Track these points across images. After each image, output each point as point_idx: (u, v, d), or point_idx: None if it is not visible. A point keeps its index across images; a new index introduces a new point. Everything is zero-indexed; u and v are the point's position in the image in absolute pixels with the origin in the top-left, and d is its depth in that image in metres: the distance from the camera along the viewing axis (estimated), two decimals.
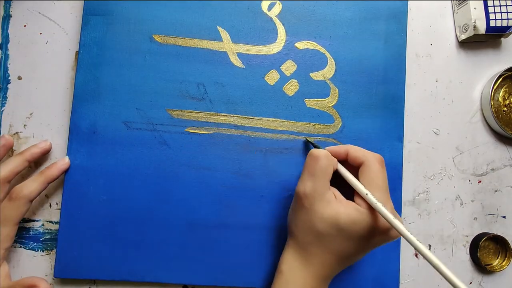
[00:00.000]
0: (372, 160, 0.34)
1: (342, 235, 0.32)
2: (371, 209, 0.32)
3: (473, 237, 0.43)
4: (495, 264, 0.43)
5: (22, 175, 0.39)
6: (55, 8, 0.41)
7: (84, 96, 0.39)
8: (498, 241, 0.43)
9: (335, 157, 0.35)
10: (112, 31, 0.40)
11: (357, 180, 0.34)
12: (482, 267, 0.42)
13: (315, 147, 0.38)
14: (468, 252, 0.43)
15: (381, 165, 0.34)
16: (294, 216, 0.35)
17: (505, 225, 0.44)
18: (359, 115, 0.41)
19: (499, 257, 0.43)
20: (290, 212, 0.36)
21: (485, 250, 0.43)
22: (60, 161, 0.38)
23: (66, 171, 0.38)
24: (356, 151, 0.35)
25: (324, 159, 0.33)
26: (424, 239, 0.43)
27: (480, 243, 0.42)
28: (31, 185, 0.36)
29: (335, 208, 0.32)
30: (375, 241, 0.33)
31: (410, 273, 0.42)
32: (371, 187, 0.32)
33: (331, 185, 0.34)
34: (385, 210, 0.31)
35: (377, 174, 0.33)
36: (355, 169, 0.35)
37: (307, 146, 0.41)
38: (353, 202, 0.33)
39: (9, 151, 0.40)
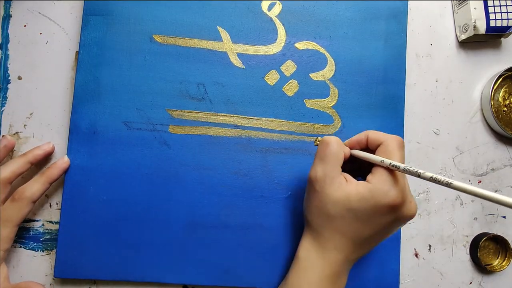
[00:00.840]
0: (391, 140, 0.33)
1: (353, 216, 0.32)
2: (381, 184, 0.31)
3: (473, 237, 0.43)
4: (495, 264, 0.43)
5: (23, 176, 0.39)
6: (55, 8, 0.41)
7: (84, 96, 0.39)
8: (498, 241, 0.43)
9: (356, 145, 0.35)
10: (112, 31, 0.40)
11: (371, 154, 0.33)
12: (482, 267, 0.42)
13: None
14: (468, 252, 0.43)
15: (400, 146, 0.33)
16: (307, 202, 0.35)
17: (505, 225, 0.44)
18: (359, 115, 0.41)
19: (499, 257, 0.43)
20: (304, 199, 0.36)
21: (485, 250, 0.43)
22: (59, 160, 0.38)
23: (66, 171, 0.38)
24: (376, 133, 0.34)
25: (334, 144, 0.34)
26: (424, 239, 0.43)
27: (480, 243, 0.41)
28: (34, 186, 0.36)
29: (345, 189, 0.32)
30: (388, 220, 0.32)
31: (410, 273, 0.42)
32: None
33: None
34: (400, 164, 0.30)
35: (394, 152, 0.32)
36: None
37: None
38: (364, 181, 0.33)
39: (10, 152, 0.40)
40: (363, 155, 0.34)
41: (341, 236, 0.33)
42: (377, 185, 0.31)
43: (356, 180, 0.33)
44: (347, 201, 0.32)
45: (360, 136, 0.35)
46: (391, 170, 0.32)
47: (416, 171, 0.28)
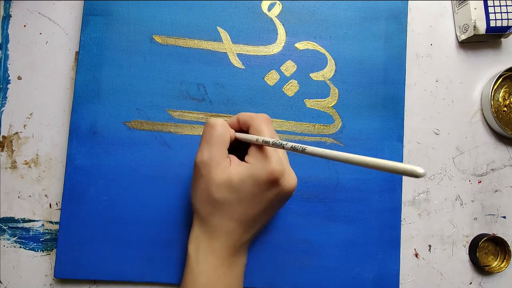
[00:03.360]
0: (257, 118, 0.34)
1: (237, 197, 0.32)
2: (257, 160, 0.32)
3: (473, 237, 0.43)
4: (494, 265, 0.43)
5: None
6: (55, 8, 0.41)
7: (84, 96, 0.39)
8: (497, 242, 0.43)
9: (232, 127, 0.35)
10: (112, 31, 0.40)
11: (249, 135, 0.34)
12: (480, 268, 0.42)
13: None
14: (467, 252, 0.43)
15: (267, 122, 0.34)
16: (194, 189, 0.35)
17: (505, 225, 0.44)
18: (359, 115, 0.41)
19: (498, 258, 0.43)
20: (191, 186, 0.35)
21: (484, 251, 0.43)
22: None
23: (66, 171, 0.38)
24: (244, 115, 0.35)
25: (219, 126, 0.34)
26: (424, 239, 0.43)
27: (479, 244, 0.42)
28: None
29: (228, 171, 0.32)
30: (271, 195, 0.32)
31: (410, 273, 0.42)
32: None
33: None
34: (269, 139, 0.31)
35: (262, 129, 0.33)
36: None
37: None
38: (244, 162, 0.33)
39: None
40: (242, 136, 0.34)
41: (229, 220, 0.33)
42: (253, 163, 0.32)
43: (239, 161, 0.33)
44: (229, 183, 0.32)
45: (232, 120, 0.36)
46: (264, 147, 0.32)
47: (280, 143, 0.29)
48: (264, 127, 0.33)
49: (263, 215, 0.34)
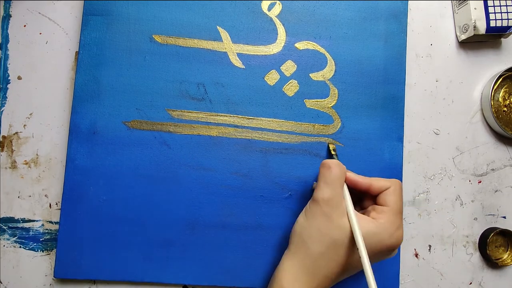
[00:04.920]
0: (397, 185, 0.35)
1: (355, 247, 0.32)
2: (388, 224, 0.33)
3: (479, 235, 0.43)
4: (505, 257, 0.43)
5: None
6: (55, 8, 0.41)
7: (84, 96, 0.39)
8: (505, 234, 0.43)
9: (355, 187, 0.36)
10: (112, 31, 0.40)
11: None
12: (492, 263, 0.42)
13: (331, 155, 0.39)
14: (473, 250, 0.43)
15: (401, 190, 0.35)
16: (309, 224, 0.34)
17: (505, 226, 0.44)
18: (359, 115, 0.41)
19: (509, 250, 0.43)
20: (302, 221, 0.35)
21: (493, 245, 0.43)
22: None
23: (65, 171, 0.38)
24: (379, 181, 0.35)
25: (336, 168, 0.34)
26: (424, 239, 0.43)
27: (488, 238, 0.41)
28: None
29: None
30: (380, 256, 0.34)
31: (410, 273, 0.42)
32: (393, 208, 0.34)
33: None
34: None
35: (399, 197, 0.34)
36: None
37: (328, 151, 0.41)
38: (368, 217, 0.34)
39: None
40: (354, 179, 0.35)
41: (336, 265, 0.33)
42: (385, 225, 0.33)
43: (357, 212, 0.34)
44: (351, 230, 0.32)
45: (361, 182, 0.36)
46: (398, 212, 0.34)
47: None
48: (400, 194, 0.35)
49: (360, 266, 0.34)
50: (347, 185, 0.35)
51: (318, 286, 0.33)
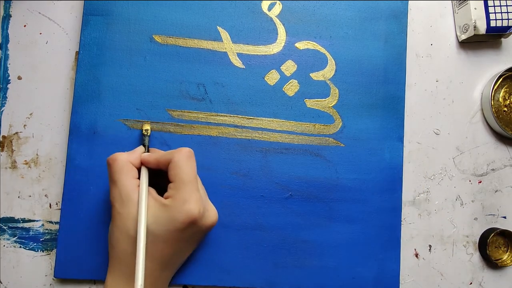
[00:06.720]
0: (178, 155, 0.33)
1: (152, 237, 0.31)
2: (175, 201, 0.31)
3: (479, 235, 0.43)
4: (505, 258, 0.43)
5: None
6: (55, 8, 0.41)
7: (84, 96, 0.39)
8: (505, 235, 0.43)
9: (149, 166, 0.34)
10: (112, 31, 0.40)
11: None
12: (493, 263, 0.42)
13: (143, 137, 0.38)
14: (473, 250, 0.43)
15: (187, 158, 0.33)
16: (111, 229, 0.33)
17: (506, 226, 0.44)
18: (359, 115, 0.41)
19: (509, 251, 0.43)
20: (109, 228, 0.34)
21: (493, 245, 0.43)
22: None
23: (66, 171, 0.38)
24: (164, 155, 0.33)
25: (114, 162, 0.33)
26: (424, 239, 0.43)
27: (488, 239, 0.41)
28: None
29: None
30: (189, 233, 0.32)
31: (410, 273, 0.42)
32: (176, 183, 0.32)
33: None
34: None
35: (182, 169, 0.32)
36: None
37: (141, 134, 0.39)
38: (159, 199, 0.32)
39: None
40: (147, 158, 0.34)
41: (149, 260, 0.31)
42: (171, 203, 0.31)
43: (155, 198, 0.32)
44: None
45: (150, 158, 0.34)
46: (183, 185, 0.31)
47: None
48: (183, 164, 0.32)
49: (181, 253, 0.33)
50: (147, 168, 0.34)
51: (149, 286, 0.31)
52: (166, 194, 0.32)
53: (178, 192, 0.31)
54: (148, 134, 0.38)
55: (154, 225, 0.31)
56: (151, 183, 0.35)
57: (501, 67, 0.45)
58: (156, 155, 0.34)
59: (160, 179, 0.35)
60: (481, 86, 0.45)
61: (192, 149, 0.39)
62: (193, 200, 0.31)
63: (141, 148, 0.36)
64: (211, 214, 0.33)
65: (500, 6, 0.42)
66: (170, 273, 0.34)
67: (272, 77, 0.41)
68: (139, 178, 0.34)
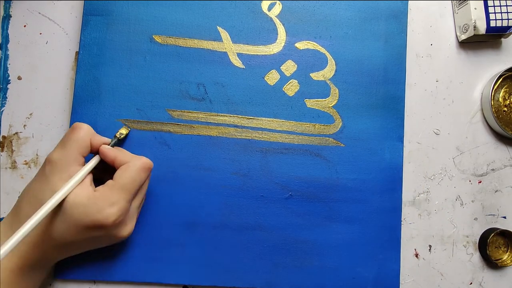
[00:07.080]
0: (136, 162, 0.33)
1: (64, 216, 0.30)
2: (101, 199, 0.30)
3: (479, 235, 0.43)
4: (505, 258, 0.43)
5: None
6: (55, 8, 0.41)
7: (84, 96, 0.39)
8: (505, 235, 0.43)
9: (105, 159, 0.34)
10: (112, 31, 0.40)
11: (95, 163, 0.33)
12: (493, 263, 0.42)
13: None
14: (473, 250, 0.43)
15: (141, 169, 0.32)
16: (29, 185, 0.32)
17: (506, 226, 0.44)
18: (359, 115, 0.41)
19: (509, 251, 0.43)
20: (29, 182, 0.33)
21: (493, 245, 0.43)
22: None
23: None
24: (124, 156, 0.33)
25: (80, 131, 0.32)
26: (424, 239, 0.43)
27: (488, 239, 0.41)
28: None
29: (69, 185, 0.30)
30: (96, 234, 0.31)
31: (410, 273, 0.42)
32: (115, 183, 0.31)
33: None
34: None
35: (129, 174, 0.32)
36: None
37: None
38: (90, 188, 0.31)
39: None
40: (91, 165, 0.33)
41: (44, 232, 0.30)
42: (97, 198, 0.30)
43: (89, 183, 0.32)
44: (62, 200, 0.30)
45: (109, 156, 0.34)
46: (120, 189, 0.31)
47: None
48: (133, 171, 0.32)
49: (83, 246, 0.33)
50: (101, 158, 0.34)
51: (28, 252, 0.30)
52: (98, 187, 0.32)
53: (110, 191, 0.31)
54: (120, 138, 0.37)
55: (71, 205, 0.30)
56: (95, 176, 0.34)
57: (501, 67, 0.45)
58: (116, 152, 0.34)
59: (106, 176, 0.35)
60: (481, 86, 0.45)
61: (192, 149, 0.39)
62: (118, 207, 0.31)
63: (107, 140, 0.36)
64: (127, 228, 0.33)
65: (500, 6, 0.42)
66: (61, 255, 0.32)
67: (272, 77, 0.41)
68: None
